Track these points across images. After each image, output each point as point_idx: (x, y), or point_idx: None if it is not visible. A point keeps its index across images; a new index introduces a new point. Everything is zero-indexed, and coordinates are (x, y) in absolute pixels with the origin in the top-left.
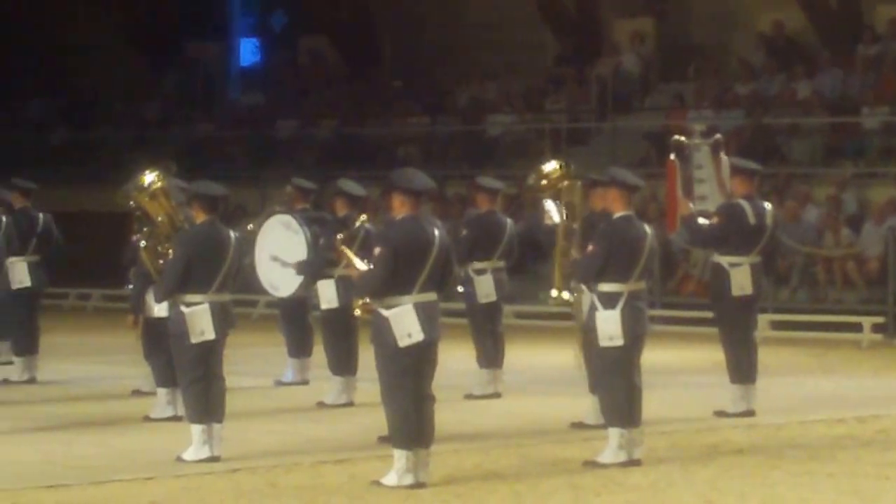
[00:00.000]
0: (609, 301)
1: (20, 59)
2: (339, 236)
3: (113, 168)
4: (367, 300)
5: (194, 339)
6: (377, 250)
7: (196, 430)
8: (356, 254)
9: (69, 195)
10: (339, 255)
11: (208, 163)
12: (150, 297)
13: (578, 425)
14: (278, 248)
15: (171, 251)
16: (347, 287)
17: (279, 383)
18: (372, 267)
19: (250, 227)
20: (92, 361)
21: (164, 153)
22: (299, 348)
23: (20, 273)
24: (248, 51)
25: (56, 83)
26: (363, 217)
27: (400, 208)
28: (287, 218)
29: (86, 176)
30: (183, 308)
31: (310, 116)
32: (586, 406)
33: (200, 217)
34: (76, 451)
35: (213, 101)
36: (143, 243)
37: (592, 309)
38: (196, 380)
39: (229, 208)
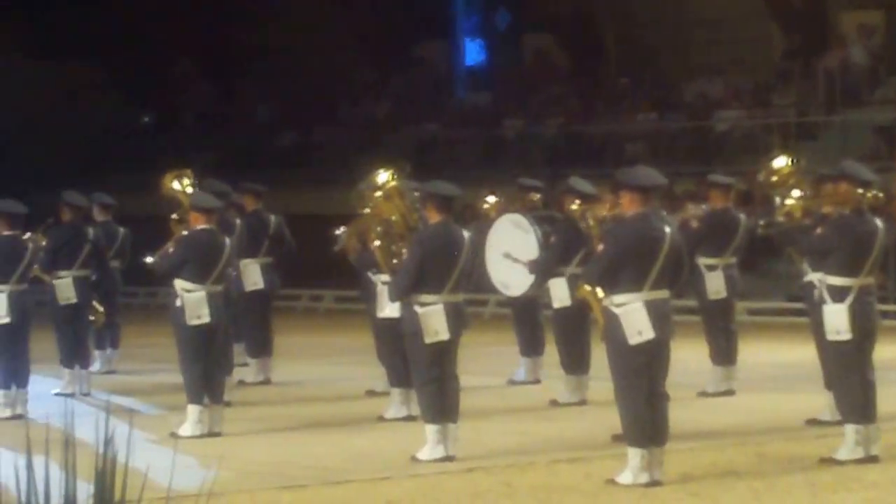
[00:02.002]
0: (838, 295)
1: (248, 63)
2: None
3: (340, 169)
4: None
5: (429, 340)
6: (601, 246)
7: (431, 429)
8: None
9: (297, 198)
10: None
11: (436, 163)
12: (381, 297)
13: (814, 422)
14: (509, 246)
15: (404, 251)
16: None
17: (512, 382)
18: (596, 259)
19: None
20: (325, 362)
21: (391, 154)
22: (531, 347)
23: (253, 275)
24: (473, 50)
25: (283, 86)
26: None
27: (629, 206)
28: (518, 217)
29: (313, 178)
30: (417, 308)
31: (536, 115)
32: (822, 402)
33: (434, 217)
34: (312, 452)
35: (440, 101)
36: (377, 242)
37: (821, 302)
38: (431, 380)
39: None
